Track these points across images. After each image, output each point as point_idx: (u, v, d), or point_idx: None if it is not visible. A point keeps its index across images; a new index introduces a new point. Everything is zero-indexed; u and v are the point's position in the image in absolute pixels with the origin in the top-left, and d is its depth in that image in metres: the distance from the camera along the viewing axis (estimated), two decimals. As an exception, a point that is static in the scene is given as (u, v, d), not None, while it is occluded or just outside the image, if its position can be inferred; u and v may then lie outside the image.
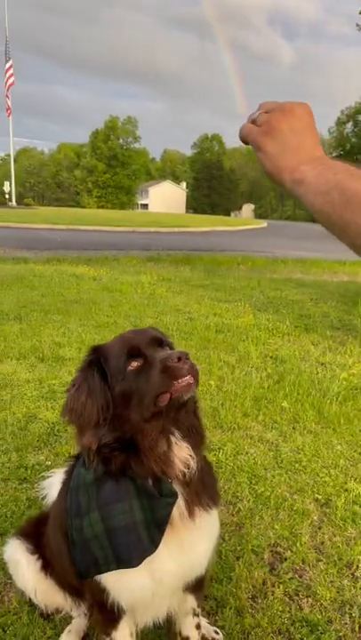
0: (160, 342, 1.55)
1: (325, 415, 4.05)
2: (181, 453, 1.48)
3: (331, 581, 2.36)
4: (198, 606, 1.86)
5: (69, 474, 1.79)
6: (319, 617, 2.17)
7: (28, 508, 2.73)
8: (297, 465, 3.35)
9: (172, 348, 1.60)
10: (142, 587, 1.56)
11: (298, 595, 2.30)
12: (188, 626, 1.85)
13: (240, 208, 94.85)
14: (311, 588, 2.33)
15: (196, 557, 1.64)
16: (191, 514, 1.55)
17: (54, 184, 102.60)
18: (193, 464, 1.50)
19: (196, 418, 1.58)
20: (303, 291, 9.91)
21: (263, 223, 47.07)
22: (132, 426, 1.44)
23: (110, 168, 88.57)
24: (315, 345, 6.13)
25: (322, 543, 2.64)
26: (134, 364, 1.45)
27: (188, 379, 1.38)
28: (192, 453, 1.50)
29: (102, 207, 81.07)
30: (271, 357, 5.50)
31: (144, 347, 1.48)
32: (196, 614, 1.86)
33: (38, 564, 2.03)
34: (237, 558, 2.48)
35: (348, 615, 2.18)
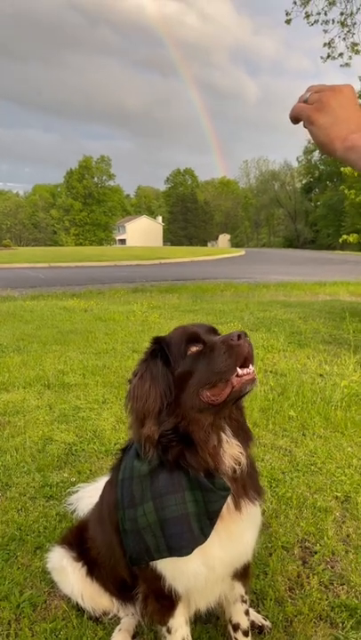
0: (216, 332, 1.66)
1: (332, 421, 4.18)
2: (232, 450, 1.57)
3: (362, 568, 2.45)
4: (246, 593, 1.94)
5: (117, 468, 1.87)
6: (356, 602, 2.25)
7: (59, 522, 2.77)
8: (313, 467, 3.45)
9: None
10: (196, 573, 1.64)
11: (333, 584, 2.38)
12: (237, 612, 1.93)
13: (216, 238, 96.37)
14: (345, 577, 2.41)
15: (244, 546, 1.73)
16: (239, 506, 1.64)
17: (31, 224, 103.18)
18: (244, 461, 1.59)
19: (242, 416, 1.67)
20: (291, 310, 10.14)
21: (241, 251, 47.92)
22: (189, 412, 1.52)
23: (86, 206, 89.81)
24: (310, 358, 6.29)
25: (347, 536, 2.73)
26: (194, 348, 1.55)
27: (251, 372, 1.46)
28: (242, 451, 1.59)
29: (80, 244, 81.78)
30: (271, 372, 5.64)
31: (203, 334, 1.59)
32: (244, 601, 1.93)
33: (84, 570, 2.09)
34: (270, 555, 2.56)
35: (383, 597, 2.26)
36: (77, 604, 2.11)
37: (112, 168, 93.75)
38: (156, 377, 1.55)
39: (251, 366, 1.47)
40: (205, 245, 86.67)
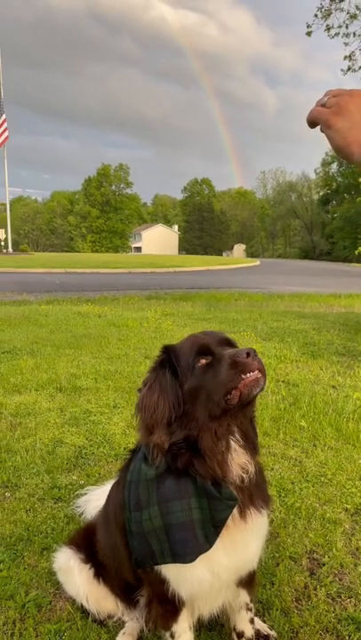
0: (229, 343, 1.63)
1: (344, 432, 4.14)
2: (240, 459, 1.56)
3: (371, 582, 2.41)
4: (251, 601, 1.92)
5: (125, 469, 1.87)
6: (364, 615, 2.22)
7: (67, 524, 2.77)
8: (323, 478, 3.41)
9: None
10: (201, 579, 1.63)
11: (340, 596, 2.34)
12: (242, 620, 1.91)
13: (231, 248, 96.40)
14: (353, 590, 2.38)
15: (249, 554, 1.72)
16: (245, 515, 1.63)
17: (48, 230, 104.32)
18: (251, 469, 1.58)
19: (252, 426, 1.65)
20: (305, 321, 10.09)
21: (256, 261, 47.82)
22: (198, 423, 1.51)
23: (103, 213, 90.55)
24: (323, 370, 6.24)
25: (357, 549, 2.69)
26: (203, 360, 1.52)
27: (256, 373, 1.45)
28: (250, 459, 1.58)
29: (96, 251, 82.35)
30: (283, 382, 5.61)
31: (213, 346, 1.56)
32: (249, 609, 1.91)
33: (91, 572, 2.09)
34: (277, 564, 2.53)
35: (392, 612, 2.23)
36: (82, 605, 2.11)
37: (130, 176, 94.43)
38: (164, 388, 1.54)
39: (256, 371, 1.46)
40: (220, 255, 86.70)
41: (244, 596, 1.89)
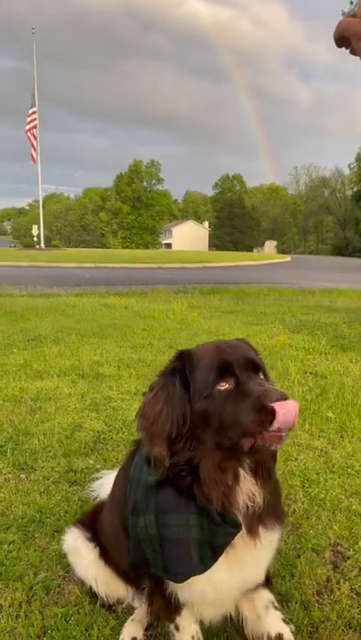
0: (255, 366, 1.42)
1: (373, 424, 3.95)
2: (247, 487, 1.41)
3: None
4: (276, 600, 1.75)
5: (131, 458, 1.75)
6: (391, 612, 2.06)
7: (81, 507, 2.70)
8: (349, 470, 3.25)
9: (265, 374, 1.47)
10: (202, 592, 1.51)
11: (365, 592, 2.19)
12: (274, 620, 1.66)
13: (262, 244, 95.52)
14: (379, 585, 2.22)
15: (256, 572, 1.60)
16: (254, 533, 1.49)
17: (80, 227, 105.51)
18: (259, 499, 1.43)
19: (271, 456, 1.48)
20: (335, 315, 9.82)
21: (287, 257, 47.23)
22: (205, 450, 1.35)
23: (134, 210, 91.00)
24: (353, 362, 6.02)
25: (384, 543, 2.53)
26: (224, 384, 1.34)
27: (283, 433, 1.26)
28: (260, 489, 1.42)
29: (127, 247, 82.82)
30: (311, 373, 5.43)
31: (238, 367, 1.35)
32: (276, 607, 1.71)
33: (96, 551, 2.00)
34: (298, 556, 2.39)
35: None
36: (91, 589, 2.02)
37: (161, 172, 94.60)
38: (171, 398, 1.37)
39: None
40: (251, 251, 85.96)
41: (266, 595, 1.71)
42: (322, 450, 3.53)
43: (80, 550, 2.01)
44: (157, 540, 1.48)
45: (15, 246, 77.54)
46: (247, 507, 1.43)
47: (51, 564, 2.27)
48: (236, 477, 1.39)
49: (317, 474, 3.18)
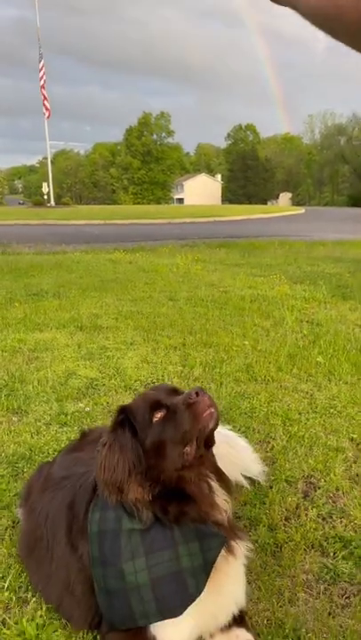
0: (176, 392, 1.64)
1: (361, 367, 4.02)
2: (220, 498, 1.56)
3: (365, 505, 2.38)
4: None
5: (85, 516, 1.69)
6: (353, 534, 2.20)
7: (69, 446, 2.85)
8: (332, 410, 3.35)
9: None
10: (189, 632, 1.56)
11: (331, 517, 2.33)
12: None
13: (277, 197, 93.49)
14: (345, 512, 2.35)
15: (235, 594, 1.64)
16: (229, 550, 1.60)
17: (91, 183, 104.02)
18: (229, 508, 1.58)
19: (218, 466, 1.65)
20: (341, 265, 9.77)
21: (301, 209, 46.31)
22: (169, 475, 1.50)
23: (145, 164, 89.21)
24: (352, 310, 6.05)
25: (357, 475, 2.65)
26: (158, 414, 1.53)
27: (208, 410, 1.49)
28: (227, 497, 1.58)
29: (138, 203, 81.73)
30: (307, 322, 5.48)
31: (164, 398, 1.57)
32: None
33: None
34: (270, 487, 2.52)
35: (381, 532, 2.19)
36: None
37: (172, 125, 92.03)
38: (124, 447, 1.53)
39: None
40: (265, 204, 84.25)
41: (244, 635, 1.67)
42: (307, 392, 3.63)
43: None
44: (149, 585, 1.50)
45: (25, 204, 77.13)
46: (223, 516, 1.56)
47: (37, 495, 2.43)
48: (210, 488, 1.55)
49: (300, 414, 3.29)
